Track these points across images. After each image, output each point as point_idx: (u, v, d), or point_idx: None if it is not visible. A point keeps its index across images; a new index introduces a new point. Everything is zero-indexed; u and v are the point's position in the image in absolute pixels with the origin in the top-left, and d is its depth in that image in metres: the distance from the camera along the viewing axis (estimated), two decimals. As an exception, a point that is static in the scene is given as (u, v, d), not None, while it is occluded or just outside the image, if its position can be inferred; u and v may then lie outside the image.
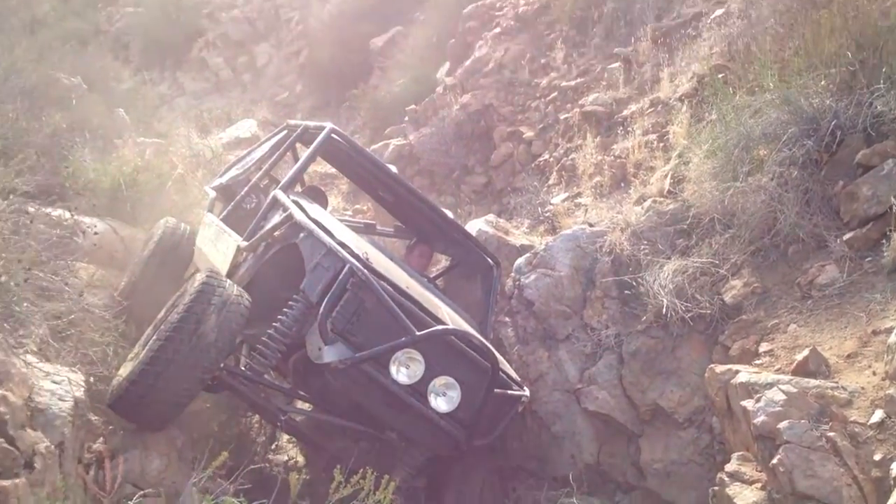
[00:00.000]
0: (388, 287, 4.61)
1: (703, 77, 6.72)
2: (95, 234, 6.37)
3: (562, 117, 8.78)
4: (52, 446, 3.60)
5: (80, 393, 4.20)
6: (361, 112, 13.07)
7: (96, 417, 4.52)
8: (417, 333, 4.46)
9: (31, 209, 4.78)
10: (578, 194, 7.63)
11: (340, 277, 4.52)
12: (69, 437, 3.85)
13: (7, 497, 3.09)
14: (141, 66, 16.22)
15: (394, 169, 6.97)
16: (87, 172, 7.56)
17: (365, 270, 4.52)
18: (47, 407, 3.87)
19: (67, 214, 5.80)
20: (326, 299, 4.50)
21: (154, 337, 4.69)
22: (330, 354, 4.46)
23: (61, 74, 10.30)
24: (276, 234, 5.27)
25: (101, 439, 4.39)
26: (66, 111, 8.91)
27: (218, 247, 5.88)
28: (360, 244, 5.16)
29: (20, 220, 4.46)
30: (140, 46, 17.89)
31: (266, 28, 17.98)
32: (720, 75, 6.31)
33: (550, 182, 8.29)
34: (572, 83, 9.04)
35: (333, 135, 6.16)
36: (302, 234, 4.95)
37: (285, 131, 6.93)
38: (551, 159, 8.59)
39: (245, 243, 5.46)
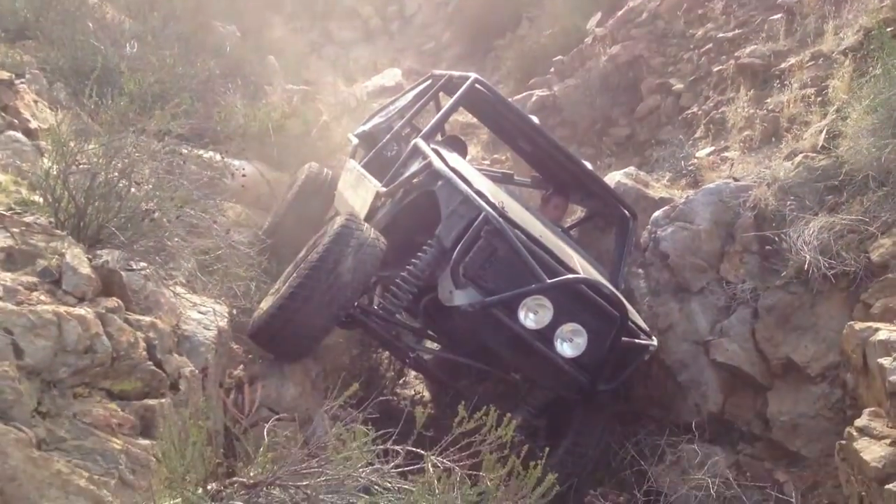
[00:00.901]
0: (521, 235, 4.66)
1: (869, 30, 6.39)
2: (244, 175, 6.67)
3: (715, 69, 8.50)
4: (196, 371, 3.83)
5: (223, 323, 4.45)
6: (507, 62, 12.99)
7: (237, 346, 4.81)
8: (548, 281, 4.51)
9: (184, 150, 5.04)
10: (726, 148, 7.41)
11: (475, 224, 4.62)
12: (212, 363, 4.10)
13: (153, 415, 3.33)
14: (293, 15, 16.67)
15: (535, 120, 6.96)
16: (237, 117, 7.90)
17: (499, 218, 4.59)
18: (193, 334, 4.12)
19: (218, 157, 6.08)
20: (460, 245, 4.61)
21: (294, 274, 4.94)
22: (460, 298, 4.59)
23: (216, 22, 10.71)
24: (415, 180, 5.40)
25: (241, 366, 4.69)
26: (220, 58, 9.27)
27: (358, 191, 6.08)
28: (496, 193, 5.23)
29: (174, 160, 4.72)
30: (293, -4, 18.38)
31: (416, -22, 18.11)
32: (889, 29, 5.96)
33: (697, 135, 8.07)
34: (729, 34, 8.72)
35: (477, 85, 6.22)
36: (440, 182, 5.06)
37: (429, 81, 7.03)
38: (699, 112, 8.34)
39: (384, 189, 5.62)
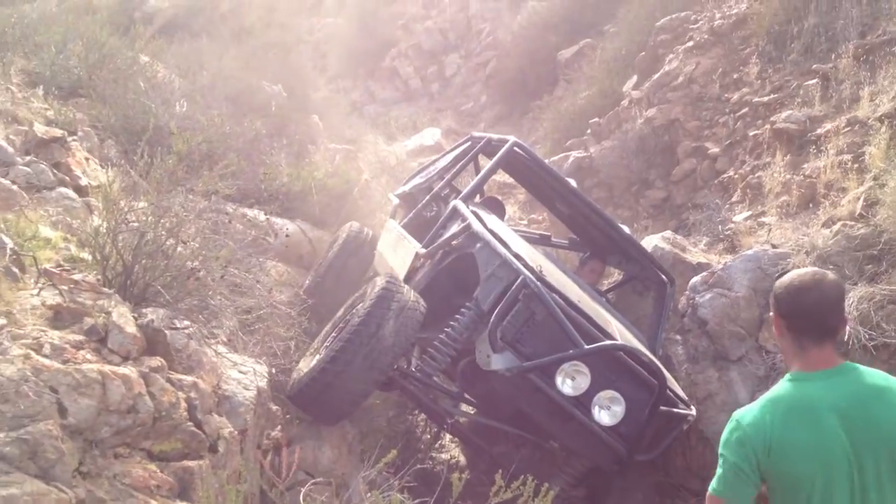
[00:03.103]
0: (559, 300, 4.68)
1: (905, 97, 6.39)
2: (287, 235, 6.78)
3: (751, 134, 8.52)
4: (235, 432, 3.85)
5: (262, 383, 4.48)
6: (544, 123, 13.16)
7: (276, 407, 4.83)
8: (586, 347, 4.50)
9: (229, 209, 5.14)
10: (762, 213, 7.39)
11: (513, 288, 4.65)
12: (251, 423, 4.12)
13: (192, 476, 3.34)
14: (336, 75, 17.05)
15: (573, 182, 7.02)
16: (281, 176, 8.05)
17: (537, 283, 4.61)
18: (233, 395, 4.15)
19: (262, 216, 6.20)
20: (498, 309, 4.64)
21: (334, 335, 4.98)
22: (498, 362, 4.59)
23: (264, 82, 10.97)
24: (454, 242, 5.46)
25: (279, 427, 4.71)
26: (266, 118, 9.49)
27: (397, 252, 6.14)
28: (534, 256, 5.26)
29: (219, 219, 4.82)
30: (337, 56, 18.81)
31: (457, 39, 18.47)
32: None
33: (733, 200, 8.07)
34: (765, 99, 8.75)
35: (516, 148, 6.30)
36: (478, 245, 5.11)
37: (469, 142, 7.13)
38: (736, 176, 8.36)
39: (423, 250, 5.67)
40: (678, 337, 6.01)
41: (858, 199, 6.02)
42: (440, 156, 7.75)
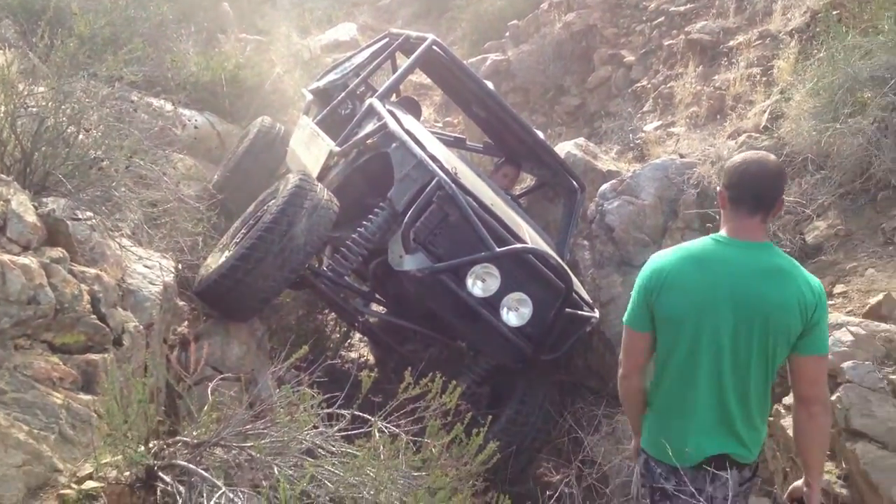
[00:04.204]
0: (473, 202, 4.69)
1: (816, 13, 6.49)
2: (196, 127, 6.57)
3: (666, 43, 8.58)
4: (141, 326, 3.79)
5: (169, 278, 4.39)
6: (462, 24, 12.94)
7: (182, 303, 4.76)
8: (497, 250, 4.56)
9: (134, 98, 4.94)
10: (672, 123, 7.52)
11: (428, 190, 4.63)
12: (157, 318, 4.05)
13: (96, 370, 3.28)
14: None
15: (490, 85, 6.98)
16: (189, 66, 7.76)
17: (452, 185, 4.61)
18: (138, 289, 4.05)
19: (169, 106, 5.98)
20: (412, 210, 4.63)
21: (244, 232, 4.91)
22: (410, 263, 4.60)
23: (170, -35, 10.44)
24: (369, 141, 5.39)
25: (186, 323, 4.65)
26: (173, 2, 9.02)
27: (311, 149, 6.04)
28: (449, 158, 5.24)
29: (124, 107, 4.62)
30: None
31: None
32: (835, 12, 6.07)
33: (645, 109, 8.17)
34: (681, 8, 8.79)
35: (435, 47, 6.20)
36: (394, 144, 5.07)
37: (386, 39, 6.98)
38: (649, 86, 8.45)
39: (338, 148, 5.60)
40: (585, 242, 6.14)
41: (764, 112, 6.17)
42: (356, 52, 7.55)
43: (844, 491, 3.50)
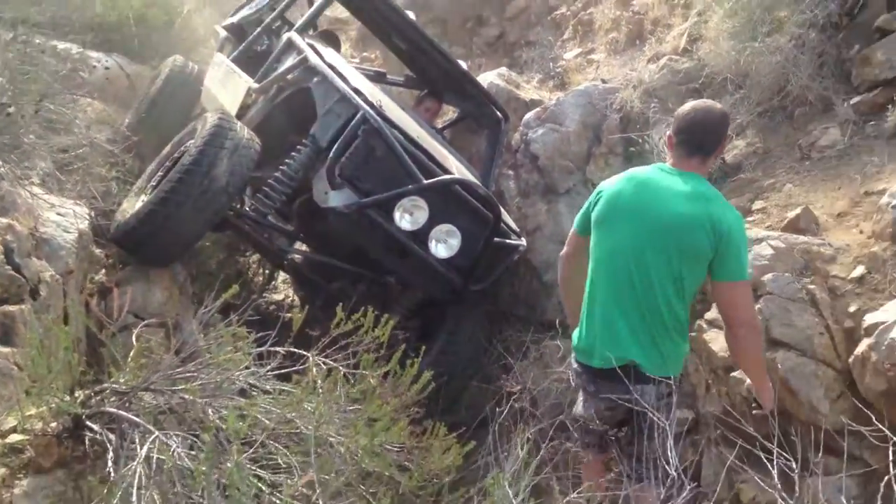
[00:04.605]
0: (399, 136, 4.63)
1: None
2: (106, 68, 6.32)
3: (583, -31, 8.49)
4: (58, 276, 3.70)
5: (84, 226, 4.27)
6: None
7: (99, 250, 4.63)
8: (424, 182, 4.53)
9: (38, 41, 4.71)
10: (592, 50, 7.51)
11: (352, 124, 4.54)
12: (74, 267, 3.95)
13: (13, 321, 3.19)
14: None
15: (412, 16, 6.84)
16: (94, 5, 7.43)
17: (377, 118, 4.53)
18: (52, 238, 3.94)
19: (76, 48, 5.73)
20: (336, 145, 4.54)
21: (162, 176, 4.75)
22: (336, 199, 4.54)
23: None
24: (289, 77, 5.24)
25: (104, 271, 4.53)
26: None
27: (227, 87, 5.86)
28: (373, 91, 5.15)
29: (28, 51, 4.41)
30: None
31: None
32: None
33: (565, 37, 8.13)
34: (598, -67, 8.68)
35: None
36: (316, 79, 4.93)
37: None
38: (568, 13, 8.39)
39: (256, 85, 5.45)
40: (510, 172, 6.13)
41: (683, 34, 6.19)
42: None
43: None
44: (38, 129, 4.26)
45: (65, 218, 4.16)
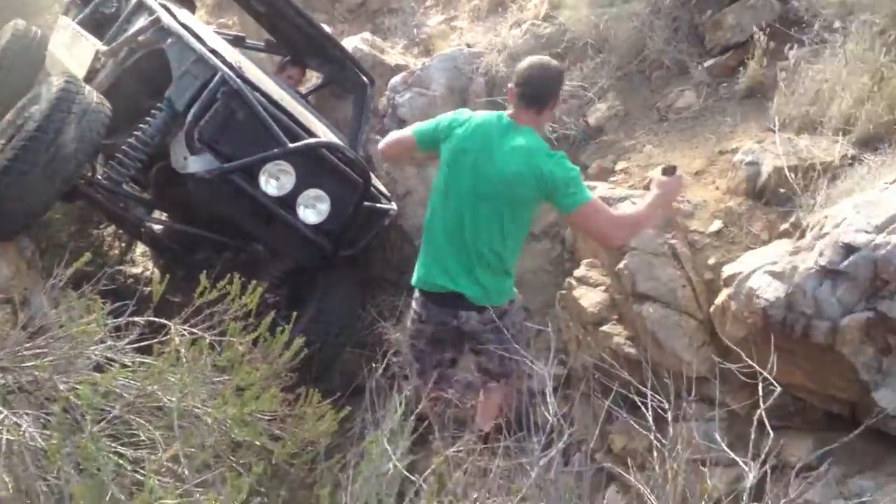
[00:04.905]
0: (262, 98, 4.45)
1: None
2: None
3: (444, -65, 8.43)
4: None
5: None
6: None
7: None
8: (290, 145, 4.39)
9: None
10: (455, 17, 7.48)
11: (211, 86, 4.32)
12: None
13: None
14: None
15: None
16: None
17: (237, 79, 4.34)
18: None
19: None
20: (195, 108, 4.31)
21: (4, 144, 4.44)
22: (196, 164, 4.32)
23: None
24: (141, 38, 4.95)
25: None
26: None
27: (74, 51, 5.53)
28: (232, 53, 4.95)
29: None
30: None
31: None
32: None
33: (427, 4, 8.06)
34: None
35: None
36: (170, 40, 4.66)
37: None
38: (430, -20, 8.32)
39: (105, 47, 5.15)
40: (378, 137, 6.03)
41: (543, 1, 6.25)
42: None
43: (633, 350, 3.74)
44: None
45: None
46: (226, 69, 4.37)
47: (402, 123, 5.82)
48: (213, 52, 4.54)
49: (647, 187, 3.99)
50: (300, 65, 6.63)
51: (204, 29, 5.27)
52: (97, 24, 5.67)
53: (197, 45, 4.53)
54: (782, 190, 3.72)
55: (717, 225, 3.81)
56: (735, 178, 3.93)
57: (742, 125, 4.38)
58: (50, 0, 7.71)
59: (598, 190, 4.17)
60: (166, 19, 4.76)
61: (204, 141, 4.32)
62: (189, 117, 4.31)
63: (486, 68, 5.90)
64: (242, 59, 5.13)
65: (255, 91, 4.43)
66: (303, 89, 6.88)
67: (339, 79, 6.54)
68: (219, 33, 6.64)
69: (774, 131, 4.04)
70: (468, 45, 6.30)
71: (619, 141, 4.92)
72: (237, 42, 6.78)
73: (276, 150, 4.36)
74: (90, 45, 5.27)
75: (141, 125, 4.55)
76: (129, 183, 4.74)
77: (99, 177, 4.61)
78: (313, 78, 7.10)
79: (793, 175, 3.64)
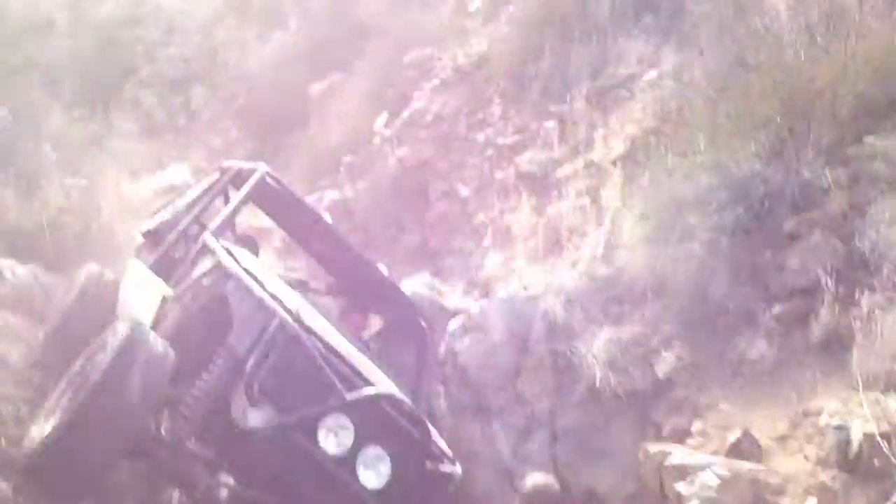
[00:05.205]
0: (319, 345, 4.41)
1: (635, 139, 6.71)
2: (14, 275, 6.08)
3: (498, 176, 8.64)
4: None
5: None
6: (298, 160, 12.84)
7: (4, 483, 4.19)
8: (348, 397, 4.24)
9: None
10: (513, 258, 7.58)
11: (269, 331, 4.30)
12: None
13: None
14: (72, 103, 15.75)
15: (328, 217, 6.81)
16: (8, 212, 7.26)
17: (295, 325, 4.32)
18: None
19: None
20: (254, 355, 4.25)
21: (69, 395, 4.40)
22: (255, 418, 4.19)
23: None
24: (204, 282, 5.01)
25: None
26: (-12, 147, 8.52)
27: (142, 296, 5.64)
28: (292, 297, 4.97)
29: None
30: (73, 82, 17.40)
31: (201, 69, 17.66)
32: (652, 137, 6.29)
33: (486, 244, 8.21)
34: (509, 140, 8.84)
35: (267, 177, 5.98)
36: (231, 284, 4.70)
37: (218, 174, 6.72)
38: (487, 220, 8.50)
39: (171, 292, 5.23)
40: (440, 387, 5.95)
41: (598, 242, 6.30)
42: (188, 189, 7.25)
43: None
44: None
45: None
46: (283, 314, 4.35)
47: (463, 373, 5.72)
48: (273, 296, 4.55)
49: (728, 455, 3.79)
50: (361, 309, 6.67)
51: (265, 272, 5.34)
52: (167, 269, 5.81)
53: (256, 289, 4.54)
54: (877, 462, 3.49)
55: (811, 503, 3.56)
56: (824, 445, 3.72)
57: (822, 380, 4.22)
58: (123, 244, 8.02)
59: (675, 456, 3.96)
60: (227, 262, 4.81)
61: (264, 391, 4.21)
62: (248, 366, 4.23)
63: (543, 312, 5.84)
64: (303, 302, 5.15)
65: (312, 337, 4.38)
66: (366, 334, 6.88)
67: (399, 323, 6.50)
68: (281, 275, 6.80)
69: (858, 390, 3.85)
70: (525, 288, 6.31)
71: (691, 397, 4.73)
72: (300, 286, 6.90)
73: (333, 403, 4.22)
74: (158, 290, 5.36)
75: (204, 374, 4.47)
76: (193, 440, 4.54)
77: (163, 432, 4.49)
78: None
79: (885, 444, 3.43)
